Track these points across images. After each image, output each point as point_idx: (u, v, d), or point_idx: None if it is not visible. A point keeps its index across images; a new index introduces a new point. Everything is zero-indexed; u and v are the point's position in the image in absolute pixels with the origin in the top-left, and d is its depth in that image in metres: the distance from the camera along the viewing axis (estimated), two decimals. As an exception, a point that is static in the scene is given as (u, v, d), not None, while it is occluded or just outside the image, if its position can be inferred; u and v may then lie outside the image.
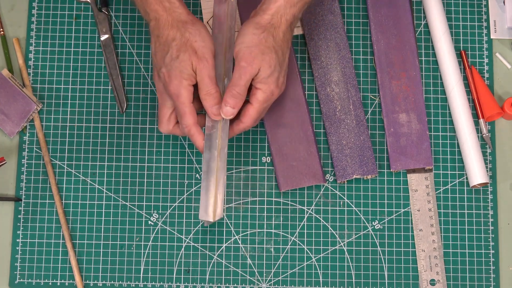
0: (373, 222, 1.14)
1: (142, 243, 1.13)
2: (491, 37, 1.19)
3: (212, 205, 1.04)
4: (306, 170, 1.13)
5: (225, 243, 1.13)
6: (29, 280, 1.12)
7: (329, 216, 1.14)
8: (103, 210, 1.14)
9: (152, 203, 1.14)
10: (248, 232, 1.14)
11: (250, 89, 1.05)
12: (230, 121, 1.06)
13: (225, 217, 1.14)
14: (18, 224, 1.14)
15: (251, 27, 1.03)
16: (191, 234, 1.14)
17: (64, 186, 1.15)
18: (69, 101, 1.17)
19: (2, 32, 1.18)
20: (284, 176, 1.14)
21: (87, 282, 1.12)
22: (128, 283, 1.12)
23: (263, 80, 1.03)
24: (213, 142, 1.05)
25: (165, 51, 1.02)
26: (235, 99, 1.02)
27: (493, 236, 1.14)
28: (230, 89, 1.02)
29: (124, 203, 1.14)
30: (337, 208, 1.14)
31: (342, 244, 1.13)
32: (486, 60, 1.18)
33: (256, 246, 1.13)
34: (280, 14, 1.03)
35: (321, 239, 1.13)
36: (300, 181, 1.13)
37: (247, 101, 1.05)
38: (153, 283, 1.12)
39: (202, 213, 1.04)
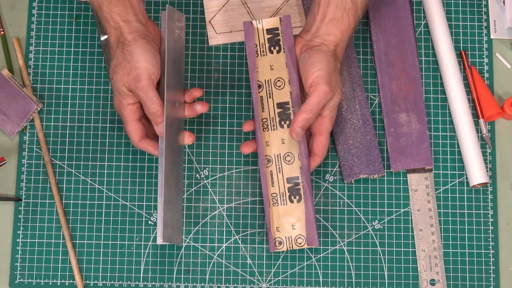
0: (373, 222, 1.14)
1: (142, 243, 1.13)
2: (491, 37, 1.19)
3: (161, 226, 1.05)
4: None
5: (225, 243, 1.13)
6: (29, 280, 1.12)
7: (329, 216, 1.14)
8: (103, 210, 1.14)
9: (152, 203, 1.14)
10: (248, 232, 1.14)
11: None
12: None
13: (225, 217, 1.14)
14: (18, 224, 1.14)
15: (327, 55, 1.04)
16: (191, 234, 1.14)
17: (64, 186, 1.15)
18: (69, 101, 1.17)
19: (2, 32, 1.18)
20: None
21: (87, 282, 1.12)
22: (128, 283, 1.12)
23: (332, 108, 1.05)
24: (161, 158, 1.07)
25: (108, 67, 1.06)
26: (307, 122, 1.03)
27: (493, 236, 1.14)
28: (303, 114, 1.03)
29: (124, 203, 1.14)
30: (337, 208, 1.14)
31: (342, 244, 1.13)
32: (486, 60, 1.18)
33: (256, 246, 1.13)
34: (339, 47, 1.06)
35: (321, 239, 1.13)
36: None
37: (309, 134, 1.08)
38: (153, 283, 1.13)
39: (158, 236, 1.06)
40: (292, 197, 1.08)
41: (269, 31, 1.11)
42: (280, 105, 1.09)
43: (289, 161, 1.08)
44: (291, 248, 1.07)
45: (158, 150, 1.06)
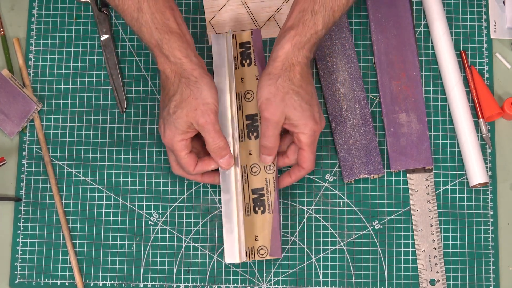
0: (373, 222, 1.14)
1: (142, 243, 1.13)
2: (491, 37, 1.19)
3: (237, 247, 1.07)
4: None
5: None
6: (29, 280, 1.12)
7: (329, 216, 1.14)
8: (103, 210, 1.14)
9: (152, 203, 1.14)
10: (248, 232, 1.14)
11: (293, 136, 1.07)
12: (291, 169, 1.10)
13: (225, 217, 1.14)
14: (18, 224, 1.14)
15: (265, 78, 1.03)
16: (191, 234, 1.14)
17: (64, 186, 1.15)
18: (69, 101, 1.17)
19: (2, 32, 1.18)
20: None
21: (87, 282, 1.12)
22: (128, 283, 1.12)
23: (298, 123, 1.04)
24: (230, 183, 1.08)
25: (165, 104, 1.04)
26: (268, 149, 1.06)
27: (493, 236, 1.14)
28: (261, 141, 1.06)
29: (124, 203, 1.14)
30: (337, 208, 1.14)
31: (342, 244, 1.13)
32: (486, 60, 1.18)
33: (256, 246, 1.13)
34: (290, 58, 1.03)
35: (321, 239, 1.13)
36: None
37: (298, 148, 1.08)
38: (153, 283, 1.13)
39: (228, 256, 1.07)
40: (256, 208, 1.09)
41: (241, 45, 1.13)
42: (249, 117, 1.11)
43: (255, 172, 1.10)
44: (253, 259, 1.08)
45: (209, 178, 1.10)
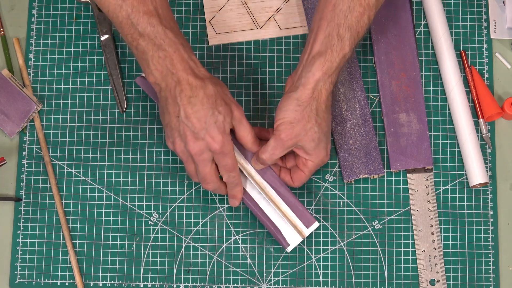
0: (373, 222, 1.14)
1: (142, 243, 1.13)
2: (491, 37, 1.19)
3: (293, 228, 1.08)
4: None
5: (225, 243, 1.13)
6: (29, 280, 1.12)
7: (329, 216, 1.14)
8: (103, 210, 1.14)
9: (152, 203, 1.14)
10: (248, 232, 1.14)
11: (297, 157, 1.08)
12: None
13: (225, 217, 1.14)
14: (18, 224, 1.14)
15: (293, 103, 1.03)
16: (191, 234, 1.14)
17: (64, 186, 1.15)
18: (69, 101, 1.17)
19: (2, 32, 1.18)
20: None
21: (87, 282, 1.12)
22: (128, 283, 1.12)
23: (311, 152, 1.05)
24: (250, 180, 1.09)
25: (204, 110, 1.00)
26: (263, 162, 1.06)
27: (493, 236, 1.14)
28: (262, 154, 1.05)
29: (124, 203, 1.14)
30: (337, 208, 1.14)
31: (342, 244, 1.13)
32: (486, 60, 1.18)
33: (256, 246, 1.13)
34: (320, 87, 1.02)
35: (321, 239, 1.13)
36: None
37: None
38: (153, 283, 1.13)
39: (291, 240, 1.09)
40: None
41: None
42: None
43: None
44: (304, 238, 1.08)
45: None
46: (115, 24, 1.03)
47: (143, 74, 1.11)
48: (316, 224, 1.08)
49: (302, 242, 1.13)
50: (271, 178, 1.09)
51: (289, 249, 1.08)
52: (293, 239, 1.08)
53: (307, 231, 1.08)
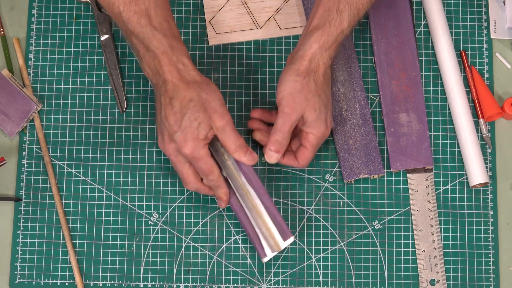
0: (373, 222, 1.14)
1: (142, 243, 1.13)
2: (491, 37, 1.19)
3: (270, 238, 1.08)
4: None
5: (225, 243, 1.13)
6: (29, 280, 1.12)
7: (329, 216, 1.14)
8: (103, 210, 1.14)
9: (152, 203, 1.14)
10: (248, 232, 1.14)
11: (300, 132, 1.08)
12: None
13: (225, 217, 1.14)
14: (18, 224, 1.14)
15: (293, 74, 1.04)
16: (191, 234, 1.14)
17: (64, 186, 1.14)
18: (69, 101, 1.17)
19: (2, 32, 1.18)
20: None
21: (87, 282, 1.12)
22: (128, 283, 1.12)
23: (312, 124, 1.05)
24: (236, 185, 1.08)
25: (181, 114, 1.02)
26: (279, 144, 1.05)
27: (493, 236, 1.14)
28: (274, 135, 1.05)
29: (124, 203, 1.14)
30: (337, 208, 1.14)
31: (342, 244, 1.13)
32: (486, 60, 1.18)
33: (256, 246, 1.13)
34: (317, 59, 1.04)
35: (321, 239, 1.13)
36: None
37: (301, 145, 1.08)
38: (153, 283, 1.12)
39: (265, 252, 1.08)
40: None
41: None
42: None
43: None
44: (279, 250, 1.08)
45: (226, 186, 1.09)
46: (114, 18, 1.05)
47: None
48: (291, 239, 1.08)
49: (302, 242, 1.13)
50: (257, 184, 1.08)
51: (265, 260, 1.08)
52: (269, 251, 1.08)
53: (283, 244, 1.08)
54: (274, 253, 1.08)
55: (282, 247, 1.08)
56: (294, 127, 1.06)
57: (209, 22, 1.19)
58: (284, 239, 1.08)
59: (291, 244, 1.13)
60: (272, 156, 1.06)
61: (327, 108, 1.06)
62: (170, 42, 1.02)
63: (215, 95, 1.03)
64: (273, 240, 1.08)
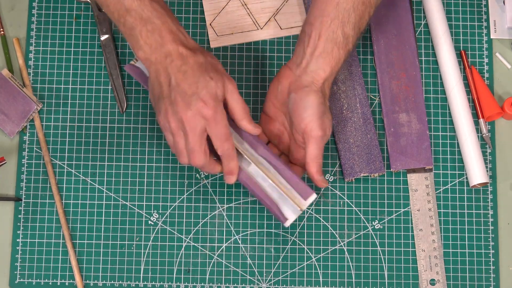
0: (373, 222, 1.14)
1: (142, 243, 1.13)
2: (491, 37, 1.19)
3: (290, 200, 1.05)
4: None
5: (225, 243, 1.13)
6: (29, 280, 1.12)
7: (329, 216, 1.14)
8: (103, 210, 1.14)
9: (152, 203, 1.14)
10: (248, 232, 1.14)
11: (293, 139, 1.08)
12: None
13: (225, 217, 1.14)
14: (18, 224, 1.14)
15: (316, 97, 1.03)
16: (191, 234, 1.14)
17: (64, 186, 1.15)
18: (69, 101, 1.17)
19: (2, 32, 1.18)
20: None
21: (87, 282, 1.12)
22: (128, 283, 1.12)
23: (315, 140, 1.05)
24: (244, 156, 1.06)
25: (195, 76, 0.99)
26: (319, 167, 1.05)
27: (493, 236, 1.14)
28: (311, 162, 1.04)
29: (124, 203, 1.14)
30: (337, 208, 1.14)
31: (342, 244, 1.13)
32: (486, 60, 1.18)
33: (256, 246, 1.13)
34: (329, 80, 1.05)
35: (321, 239, 1.13)
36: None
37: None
38: (153, 283, 1.12)
39: (285, 216, 1.05)
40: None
41: None
42: None
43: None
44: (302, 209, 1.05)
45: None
46: (100, 3, 1.03)
47: (131, 62, 1.10)
48: (314, 196, 1.04)
49: (302, 242, 1.13)
50: (266, 152, 1.05)
51: (287, 223, 1.05)
52: (291, 214, 1.05)
53: (305, 204, 1.05)
54: (297, 215, 1.05)
55: (305, 207, 1.04)
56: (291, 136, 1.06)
57: (210, 24, 1.19)
58: (305, 198, 1.04)
59: (291, 244, 1.13)
60: (323, 182, 1.06)
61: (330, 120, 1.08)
62: (168, 12, 1.02)
63: (217, 60, 1.03)
64: (294, 201, 1.05)
